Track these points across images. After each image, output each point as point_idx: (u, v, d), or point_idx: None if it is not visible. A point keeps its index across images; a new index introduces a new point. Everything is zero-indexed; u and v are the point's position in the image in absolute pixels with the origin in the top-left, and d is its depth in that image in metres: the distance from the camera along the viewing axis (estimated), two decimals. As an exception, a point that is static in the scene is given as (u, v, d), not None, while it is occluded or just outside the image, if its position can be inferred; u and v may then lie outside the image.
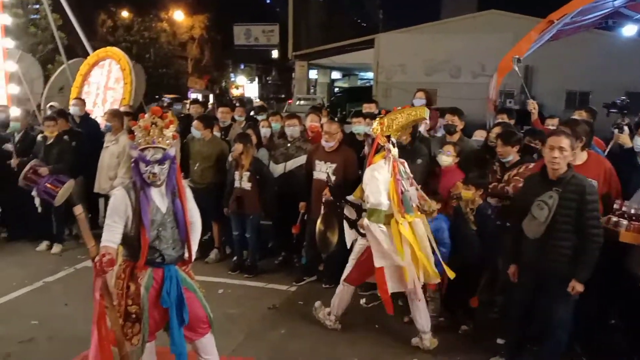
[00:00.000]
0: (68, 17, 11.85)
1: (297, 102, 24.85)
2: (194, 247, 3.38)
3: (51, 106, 8.58)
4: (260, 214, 5.97)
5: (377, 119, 4.32)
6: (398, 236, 4.04)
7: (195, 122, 6.31)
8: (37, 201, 6.39)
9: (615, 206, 3.88)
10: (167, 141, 3.11)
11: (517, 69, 7.06)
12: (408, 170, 4.31)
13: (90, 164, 6.72)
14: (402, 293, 5.01)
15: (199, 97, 23.00)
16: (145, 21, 28.51)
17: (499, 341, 4.35)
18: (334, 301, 4.67)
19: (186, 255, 3.31)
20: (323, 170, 5.43)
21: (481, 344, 4.39)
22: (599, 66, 20.63)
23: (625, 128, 4.88)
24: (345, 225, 4.56)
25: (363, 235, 4.29)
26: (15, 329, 4.59)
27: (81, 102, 7.98)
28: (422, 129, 5.47)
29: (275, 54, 39.32)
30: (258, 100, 27.72)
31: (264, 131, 6.49)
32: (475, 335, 4.54)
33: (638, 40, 17.55)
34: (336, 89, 35.28)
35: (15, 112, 7.31)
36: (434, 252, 4.18)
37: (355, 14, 47.07)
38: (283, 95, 38.57)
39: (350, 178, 5.35)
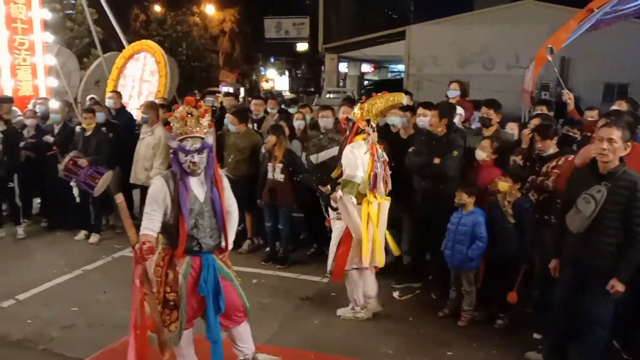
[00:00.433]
0: (103, 12, 12.07)
1: (327, 95, 24.81)
2: (231, 236, 3.40)
3: (91, 98, 8.76)
4: (292, 206, 6.00)
5: (358, 103, 4.56)
6: (366, 216, 4.30)
7: (230, 117, 6.36)
8: (75, 191, 6.56)
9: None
10: (205, 130, 3.14)
11: (550, 59, 6.88)
12: (385, 155, 4.51)
13: (126, 156, 6.86)
14: (438, 286, 5.00)
15: (230, 90, 23.17)
16: (178, 15, 28.82)
17: (536, 336, 4.29)
18: (349, 294, 4.67)
19: (223, 243, 3.35)
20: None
21: (517, 338, 4.33)
22: (638, 57, 19.95)
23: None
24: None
25: (335, 210, 4.48)
26: (58, 315, 4.73)
27: (117, 95, 8.12)
28: (456, 120, 5.39)
29: (302, 46, 39.23)
30: (288, 93, 27.76)
31: (298, 123, 6.49)
32: (511, 329, 4.48)
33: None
34: (366, 82, 35.09)
35: (54, 104, 7.49)
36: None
37: (386, 5, 46.58)
38: (312, 89, 38.56)
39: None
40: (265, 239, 6.33)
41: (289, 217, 6.02)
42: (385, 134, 5.68)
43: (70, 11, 18.54)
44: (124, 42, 11.37)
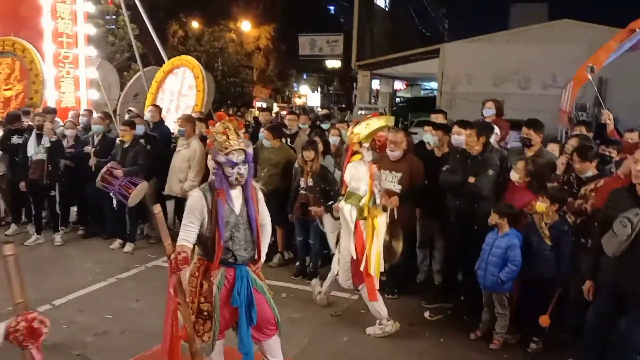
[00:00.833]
0: (143, 28, 12.46)
1: (359, 112, 24.83)
2: (264, 249, 3.45)
3: (129, 110, 9.02)
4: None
5: (350, 127, 4.84)
6: (371, 229, 4.52)
7: (265, 133, 6.45)
8: (114, 201, 6.72)
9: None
10: (244, 142, 3.22)
11: (591, 78, 6.77)
12: (379, 172, 4.75)
13: (161, 167, 7.00)
14: (470, 308, 4.92)
15: (264, 105, 23.50)
16: (215, 31, 29.43)
17: (571, 362, 4.17)
18: (372, 310, 4.68)
19: (256, 256, 3.38)
20: (388, 180, 5.40)
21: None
22: (680, 78, 19.35)
23: None
24: (329, 228, 5.16)
25: (337, 219, 4.76)
26: (92, 321, 4.84)
27: (156, 108, 8.33)
28: (492, 139, 5.34)
29: (333, 63, 39.51)
30: (320, 109, 27.92)
31: (333, 139, 6.51)
32: (545, 354, 4.36)
33: None
34: (398, 99, 35.03)
35: (96, 116, 7.73)
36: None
37: (419, 23, 46.63)
38: (343, 105, 38.66)
39: (416, 187, 5.31)
40: (296, 253, 6.36)
41: (320, 232, 6.03)
42: (420, 152, 5.68)
43: (112, 26, 19.14)
44: (164, 57, 11.69)
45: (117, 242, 7.05)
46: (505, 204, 4.55)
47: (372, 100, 30.58)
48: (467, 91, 22.76)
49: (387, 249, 5.23)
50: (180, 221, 5.87)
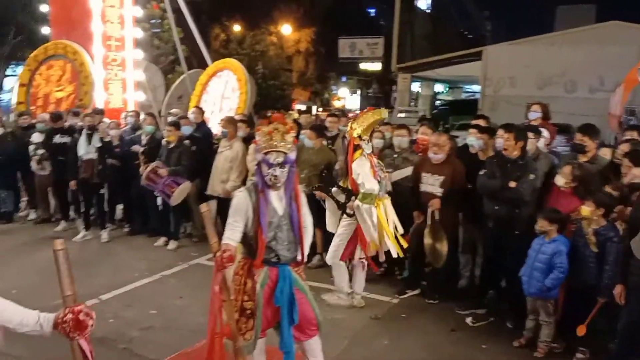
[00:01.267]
0: (187, 31, 12.73)
1: (398, 115, 24.67)
2: (306, 249, 3.47)
3: (169, 113, 9.25)
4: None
5: (350, 122, 5.22)
6: (381, 217, 4.93)
7: (308, 132, 6.49)
8: (159, 200, 6.90)
9: None
10: (288, 145, 3.24)
11: (644, 80, 6.54)
12: (380, 162, 5.21)
13: (204, 168, 7.14)
14: (513, 315, 4.82)
15: (304, 108, 23.65)
16: (257, 35, 29.82)
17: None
18: (336, 284, 5.29)
19: (299, 257, 3.41)
20: (430, 183, 5.35)
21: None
22: None
23: None
24: (330, 209, 5.34)
25: (350, 216, 5.03)
26: (137, 316, 4.98)
27: (198, 110, 8.51)
28: (540, 144, 5.22)
29: (370, 66, 39.38)
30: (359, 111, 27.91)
31: (376, 142, 6.47)
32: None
33: None
34: (438, 102, 34.60)
35: (144, 117, 7.95)
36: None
37: (461, 25, 46.02)
38: (382, 108, 38.51)
39: (458, 190, 5.24)
40: (335, 255, 6.35)
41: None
42: (464, 155, 5.60)
43: (157, 30, 19.63)
44: (208, 60, 11.91)
45: (161, 240, 7.22)
46: (553, 210, 4.43)
47: (412, 103, 30.30)
48: (510, 94, 22.26)
49: (432, 251, 5.20)
50: (222, 221, 6.01)
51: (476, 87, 27.84)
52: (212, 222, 3.30)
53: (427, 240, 5.17)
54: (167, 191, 6.75)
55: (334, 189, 5.24)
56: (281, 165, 3.19)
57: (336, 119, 7.67)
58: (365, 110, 5.20)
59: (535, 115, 6.18)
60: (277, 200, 3.30)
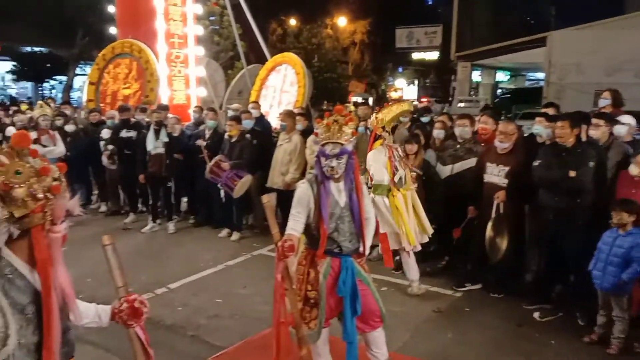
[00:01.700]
0: (245, 27, 12.95)
1: (459, 104, 24.13)
2: (368, 242, 3.47)
3: (228, 108, 9.46)
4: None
5: (374, 112, 5.32)
6: (394, 207, 5.02)
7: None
8: (222, 192, 7.09)
9: None
10: (346, 137, 3.25)
11: None
12: (401, 154, 5.22)
13: (264, 161, 7.26)
14: (583, 310, 4.65)
15: (359, 100, 23.52)
16: (313, 28, 29.95)
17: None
18: (408, 273, 5.35)
19: (361, 249, 3.42)
20: (495, 174, 5.21)
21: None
22: None
23: None
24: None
25: None
26: (204, 304, 5.16)
27: (257, 105, 8.68)
28: (624, 130, 4.98)
29: (426, 55, 38.64)
30: (417, 102, 27.46)
31: (437, 132, 6.39)
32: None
33: None
34: (499, 90, 33.55)
35: (207, 112, 8.16)
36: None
37: (523, 11, 44.27)
38: (440, 98, 37.76)
39: (524, 182, 5.07)
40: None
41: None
42: (530, 145, 5.41)
43: (216, 27, 20.07)
44: (267, 55, 12.07)
45: (225, 231, 7.43)
46: (630, 201, 4.21)
47: (471, 92, 29.54)
48: (576, 81, 21.29)
49: (491, 245, 5.07)
50: (282, 213, 6.12)
51: (540, 75, 26.81)
52: (273, 214, 3.36)
53: (489, 232, 5.04)
54: (229, 184, 6.92)
55: None
56: (337, 156, 3.20)
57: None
58: (390, 103, 5.35)
59: (605, 102, 5.89)
60: (337, 192, 3.32)
